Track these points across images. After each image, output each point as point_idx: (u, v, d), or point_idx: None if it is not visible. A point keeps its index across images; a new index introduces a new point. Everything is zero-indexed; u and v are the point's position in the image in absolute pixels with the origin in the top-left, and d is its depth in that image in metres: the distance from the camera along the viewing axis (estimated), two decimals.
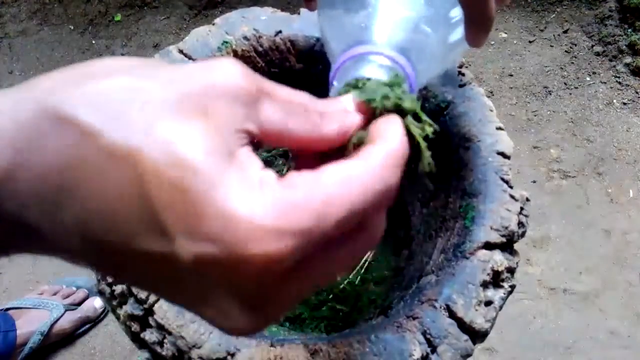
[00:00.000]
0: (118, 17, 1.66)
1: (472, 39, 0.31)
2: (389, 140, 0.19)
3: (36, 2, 1.70)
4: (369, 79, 0.27)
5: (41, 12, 1.69)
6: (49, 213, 0.16)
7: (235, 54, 0.52)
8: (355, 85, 0.26)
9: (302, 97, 0.20)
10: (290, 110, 0.19)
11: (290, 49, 0.53)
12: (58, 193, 0.16)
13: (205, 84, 0.17)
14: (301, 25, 0.53)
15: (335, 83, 0.30)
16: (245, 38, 0.52)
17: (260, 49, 0.52)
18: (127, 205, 0.15)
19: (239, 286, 0.16)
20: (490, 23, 0.30)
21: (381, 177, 0.17)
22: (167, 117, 0.16)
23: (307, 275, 0.17)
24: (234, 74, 0.17)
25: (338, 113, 0.21)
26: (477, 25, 0.30)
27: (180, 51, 0.50)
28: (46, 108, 0.16)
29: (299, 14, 0.55)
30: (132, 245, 0.16)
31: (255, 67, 0.53)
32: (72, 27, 1.66)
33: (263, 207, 0.15)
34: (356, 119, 0.21)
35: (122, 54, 1.61)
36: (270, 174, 0.17)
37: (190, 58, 0.50)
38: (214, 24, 0.53)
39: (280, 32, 0.53)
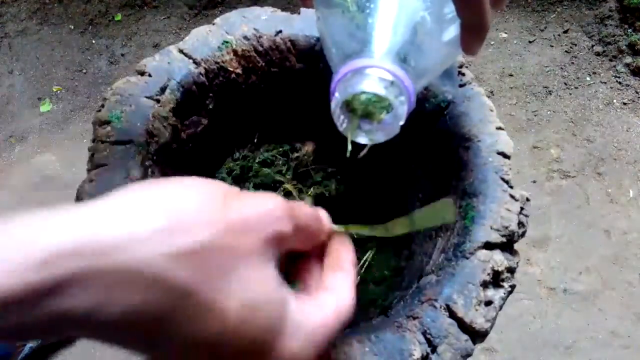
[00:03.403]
0: (118, 17, 1.66)
1: (466, 46, 0.32)
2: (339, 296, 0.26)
3: (36, 2, 1.70)
4: (368, 94, 0.29)
5: (41, 11, 1.69)
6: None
7: (235, 54, 0.52)
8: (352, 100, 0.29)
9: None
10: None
11: (290, 48, 0.53)
12: None
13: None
14: (301, 25, 0.53)
15: (337, 94, 0.31)
16: (246, 38, 0.52)
17: (260, 48, 0.52)
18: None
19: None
20: (484, 31, 0.30)
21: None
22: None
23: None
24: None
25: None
26: (472, 33, 0.30)
27: (180, 51, 0.50)
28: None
29: (299, 13, 0.54)
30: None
31: (255, 67, 0.53)
32: (72, 27, 1.66)
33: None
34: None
35: (122, 54, 1.61)
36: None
37: (190, 57, 0.50)
38: (214, 24, 0.53)
39: (280, 31, 0.53)
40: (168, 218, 0.20)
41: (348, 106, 0.34)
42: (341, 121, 0.33)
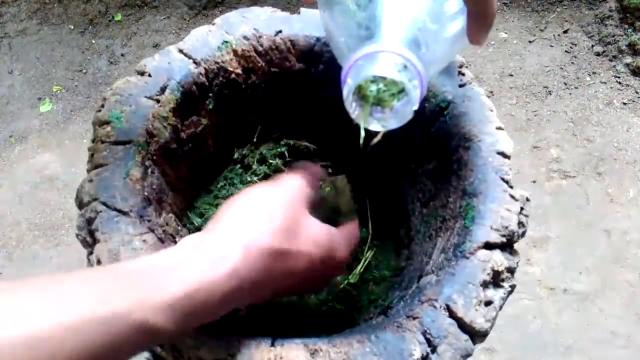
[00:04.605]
0: (118, 17, 1.66)
1: (473, 36, 0.31)
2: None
3: (36, 2, 1.69)
4: (383, 78, 0.28)
5: (41, 11, 1.69)
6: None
7: (235, 54, 0.52)
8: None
9: None
10: None
11: (290, 48, 0.53)
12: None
13: None
14: (301, 25, 0.53)
15: (349, 80, 0.30)
16: (245, 38, 0.52)
17: (260, 48, 0.52)
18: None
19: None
20: (491, 21, 0.30)
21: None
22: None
23: None
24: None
25: None
26: (479, 23, 0.30)
27: (180, 51, 0.50)
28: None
29: (299, 13, 0.55)
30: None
31: (255, 67, 0.53)
32: (72, 27, 1.66)
33: None
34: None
35: (122, 54, 1.60)
36: None
37: (190, 57, 0.50)
38: (214, 24, 0.53)
39: (280, 31, 0.53)
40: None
41: (360, 94, 0.33)
42: (353, 108, 0.33)
